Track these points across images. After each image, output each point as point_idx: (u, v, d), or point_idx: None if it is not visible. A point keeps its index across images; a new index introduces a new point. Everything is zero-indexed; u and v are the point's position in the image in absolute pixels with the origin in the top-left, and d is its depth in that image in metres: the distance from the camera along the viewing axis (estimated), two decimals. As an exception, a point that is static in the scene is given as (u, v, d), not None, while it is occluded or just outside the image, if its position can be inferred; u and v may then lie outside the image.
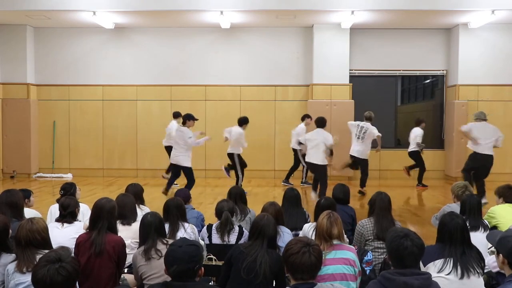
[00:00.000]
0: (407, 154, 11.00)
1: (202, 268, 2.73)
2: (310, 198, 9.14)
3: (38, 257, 3.13)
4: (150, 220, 3.70)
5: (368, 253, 4.10)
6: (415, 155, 10.87)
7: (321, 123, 8.87)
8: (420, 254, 2.78)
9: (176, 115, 10.96)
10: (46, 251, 3.18)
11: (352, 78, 12.31)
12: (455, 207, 4.91)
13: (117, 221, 4.12)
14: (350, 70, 12.20)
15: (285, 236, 4.26)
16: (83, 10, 10.70)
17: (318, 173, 8.85)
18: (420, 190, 10.78)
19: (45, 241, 3.31)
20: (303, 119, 11.02)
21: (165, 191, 8.96)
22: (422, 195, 10.38)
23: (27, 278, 3.05)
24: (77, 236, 3.82)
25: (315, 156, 8.70)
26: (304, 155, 9.68)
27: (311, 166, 8.96)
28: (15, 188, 4.84)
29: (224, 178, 10.65)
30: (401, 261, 2.75)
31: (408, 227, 6.89)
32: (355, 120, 10.83)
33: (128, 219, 4.49)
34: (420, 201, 9.91)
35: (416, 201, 9.98)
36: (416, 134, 10.84)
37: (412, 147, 10.85)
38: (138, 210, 4.86)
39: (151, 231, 3.64)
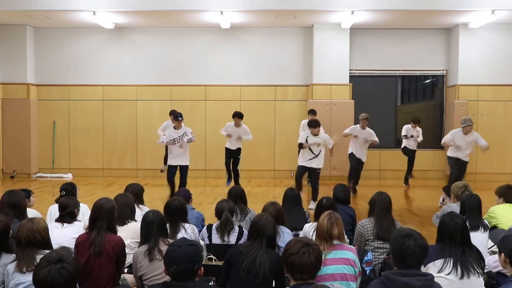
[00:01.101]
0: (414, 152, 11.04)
1: (202, 268, 2.73)
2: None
3: (38, 257, 3.13)
4: (152, 218, 3.68)
5: (368, 253, 4.10)
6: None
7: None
8: (422, 254, 2.76)
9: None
10: (47, 251, 3.19)
11: (352, 78, 12.31)
12: (455, 207, 4.91)
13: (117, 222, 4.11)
14: (350, 70, 12.20)
15: (285, 236, 4.26)
16: (83, 10, 10.70)
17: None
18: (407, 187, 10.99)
19: (45, 241, 3.31)
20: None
21: None
22: (422, 195, 10.37)
23: (27, 278, 3.05)
24: (77, 236, 3.82)
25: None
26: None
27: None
28: (15, 188, 4.83)
29: (224, 178, 10.63)
30: (403, 261, 2.74)
31: (407, 227, 6.90)
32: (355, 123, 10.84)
33: (127, 219, 4.48)
34: (420, 201, 9.91)
35: (416, 201, 9.98)
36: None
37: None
38: (137, 210, 4.86)
39: (153, 229, 3.63)
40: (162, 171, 10.09)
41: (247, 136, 9.98)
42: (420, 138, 10.90)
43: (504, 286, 2.85)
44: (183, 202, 4.46)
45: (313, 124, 8.56)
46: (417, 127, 10.93)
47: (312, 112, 10.54)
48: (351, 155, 10.01)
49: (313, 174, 8.74)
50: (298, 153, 9.04)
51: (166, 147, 10.12)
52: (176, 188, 8.73)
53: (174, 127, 8.81)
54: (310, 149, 8.51)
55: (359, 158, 9.96)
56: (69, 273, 2.46)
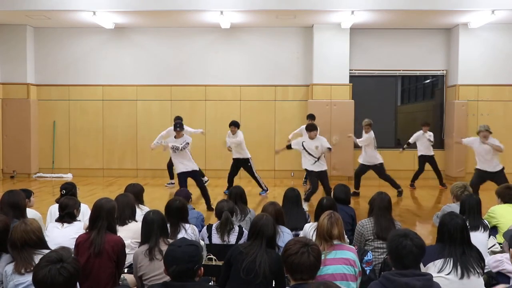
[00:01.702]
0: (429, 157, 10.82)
1: (202, 268, 2.73)
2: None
3: (35, 257, 3.15)
4: (152, 217, 3.69)
5: (368, 253, 4.10)
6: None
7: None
8: (420, 254, 2.77)
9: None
10: (43, 250, 3.21)
11: (352, 78, 12.31)
12: (455, 207, 4.91)
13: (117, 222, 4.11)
14: (350, 70, 12.20)
15: (285, 236, 4.26)
16: (83, 10, 10.70)
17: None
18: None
19: (41, 241, 3.31)
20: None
21: None
22: (422, 195, 10.37)
23: (27, 278, 3.05)
24: (77, 236, 3.82)
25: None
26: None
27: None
28: (15, 188, 4.84)
29: (224, 178, 10.63)
30: (401, 261, 2.74)
31: (408, 227, 6.90)
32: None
33: (127, 219, 4.48)
34: (420, 201, 9.91)
35: (416, 201, 9.98)
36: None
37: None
38: (137, 210, 4.86)
39: (153, 228, 3.63)
40: (172, 184, 9.53)
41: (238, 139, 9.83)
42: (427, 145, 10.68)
43: (510, 286, 2.85)
44: (184, 202, 4.45)
45: (309, 128, 8.63)
46: (428, 131, 10.71)
47: (311, 117, 10.54)
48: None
49: (323, 176, 8.67)
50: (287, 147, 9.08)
51: (170, 158, 9.94)
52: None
53: (175, 136, 8.41)
54: (310, 154, 8.51)
55: (367, 165, 9.89)
56: (69, 273, 2.46)
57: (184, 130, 8.55)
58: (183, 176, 8.32)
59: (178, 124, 8.35)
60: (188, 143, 8.33)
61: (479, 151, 8.42)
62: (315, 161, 8.52)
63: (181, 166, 8.32)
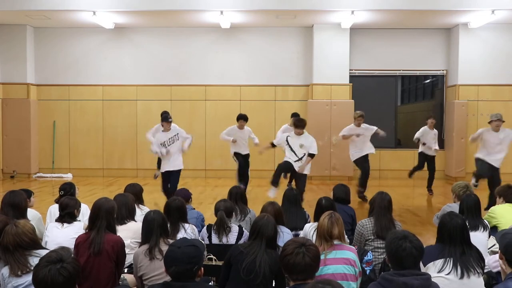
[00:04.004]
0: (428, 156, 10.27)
1: (202, 268, 2.73)
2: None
3: (30, 258, 3.14)
4: (153, 216, 3.68)
5: (368, 253, 4.10)
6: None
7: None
8: (419, 256, 2.77)
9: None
10: (38, 251, 3.21)
11: (352, 78, 12.31)
12: (455, 207, 4.90)
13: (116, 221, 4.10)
14: (350, 70, 12.21)
15: (285, 236, 4.25)
16: (83, 10, 10.71)
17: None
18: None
19: (34, 242, 3.28)
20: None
21: None
22: (422, 195, 10.36)
23: (25, 279, 3.05)
24: (77, 237, 3.81)
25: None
26: None
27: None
28: (15, 188, 4.83)
29: (224, 178, 10.63)
30: (400, 263, 2.75)
31: (408, 227, 6.90)
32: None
33: (125, 218, 4.47)
34: (420, 201, 9.91)
35: (416, 201, 9.98)
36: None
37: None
38: (137, 210, 4.86)
39: (154, 227, 3.63)
40: (156, 177, 9.11)
41: (253, 136, 9.64)
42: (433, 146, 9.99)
43: (503, 283, 2.84)
44: (183, 202, 4.45)
45: (297, 123, 7.99)
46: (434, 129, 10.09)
47: (296, 115, 10.51)
48: (361, 159, 9.45)
49: (301, 177, 8.13)
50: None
51: None
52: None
53: (163, 130, 8.16)
54: (293, 151, 7.97)
55: (366, 156, 9.50)
56: (69, 273, 2.46)
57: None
58: (166, 177, 8.16)
59: (168, 116, 8.10)
60: (177, 135, 8.11)
61: (491, 140, 7.94)
62: (297, 160, 7.92)
63: (166, 165, 8.11)
